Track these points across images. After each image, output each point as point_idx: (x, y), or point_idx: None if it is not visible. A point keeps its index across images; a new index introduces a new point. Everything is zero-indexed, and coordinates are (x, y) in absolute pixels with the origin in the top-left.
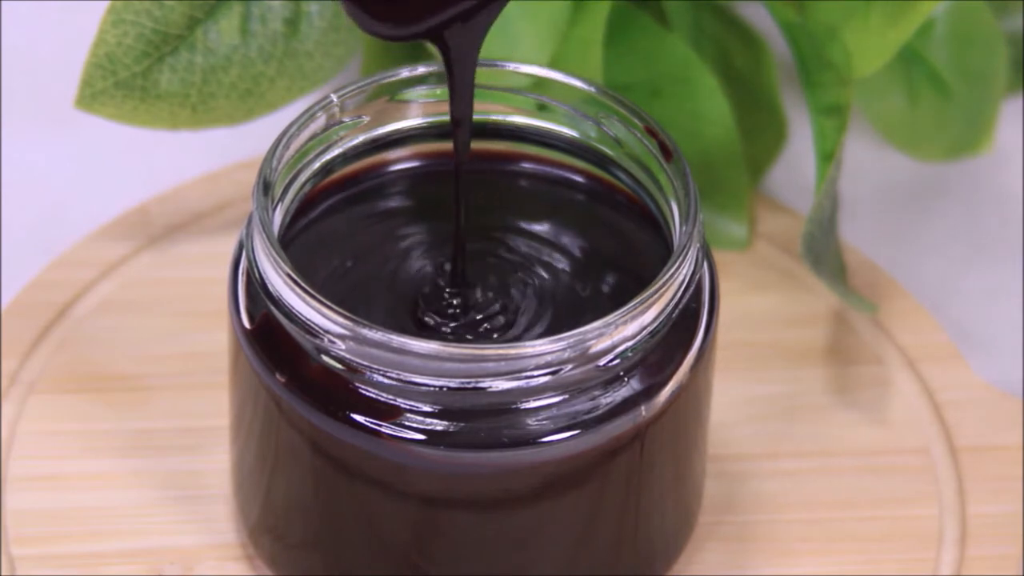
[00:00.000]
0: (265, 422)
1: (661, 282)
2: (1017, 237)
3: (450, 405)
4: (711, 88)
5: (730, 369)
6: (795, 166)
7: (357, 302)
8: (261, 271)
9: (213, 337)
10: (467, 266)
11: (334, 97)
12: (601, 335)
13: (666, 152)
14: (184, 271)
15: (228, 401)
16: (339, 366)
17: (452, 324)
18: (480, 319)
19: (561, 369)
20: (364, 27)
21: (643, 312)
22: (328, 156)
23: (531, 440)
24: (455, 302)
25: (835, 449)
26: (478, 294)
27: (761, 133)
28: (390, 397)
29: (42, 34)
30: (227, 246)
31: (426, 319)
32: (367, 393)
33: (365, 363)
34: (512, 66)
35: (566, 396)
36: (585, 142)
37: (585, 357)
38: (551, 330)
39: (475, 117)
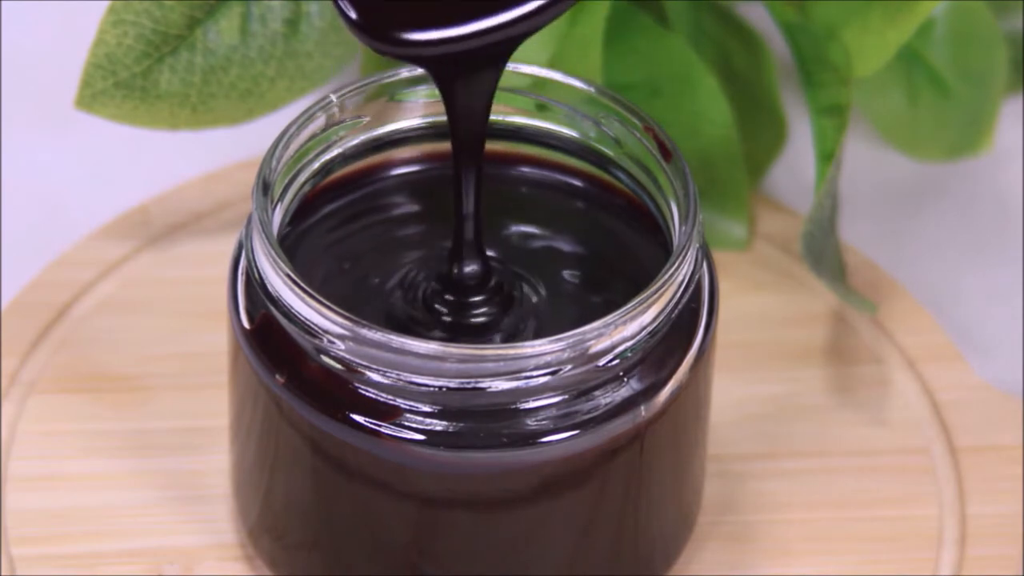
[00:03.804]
0: (265, 422)
1: (661, 282)
2: (1017, 237)
3: (450, 405)
4: (711, 88)
5: (730, 369)
6: (795, 166)
7: (356, 302)
8: (260, 271)
9: (213, 337)
10: (467, 266)
11: (334, 97)
12: (601, 335)
13: (665, 152)
14: (184, 271)
15: (228, 401)
16: (339, 366)
17: (451, 322)
18: (478, 318)
19: (561, 369)
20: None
21: (643, 312)
22: (328, 156)
23: (531, 440)
24: (454, 300)
25: (835, 449)
26: (477, 293)
27: (761, 133)
28: (390, 397)
29: (42, 34)
30: (227, 246)
31: (425, 317)
32: (367, 393)
33: (365, 363)
34: (512, 66)
35: (566, 396)
36: (584, 142)
37: (585, 357)
38: (550, 330)
39: None
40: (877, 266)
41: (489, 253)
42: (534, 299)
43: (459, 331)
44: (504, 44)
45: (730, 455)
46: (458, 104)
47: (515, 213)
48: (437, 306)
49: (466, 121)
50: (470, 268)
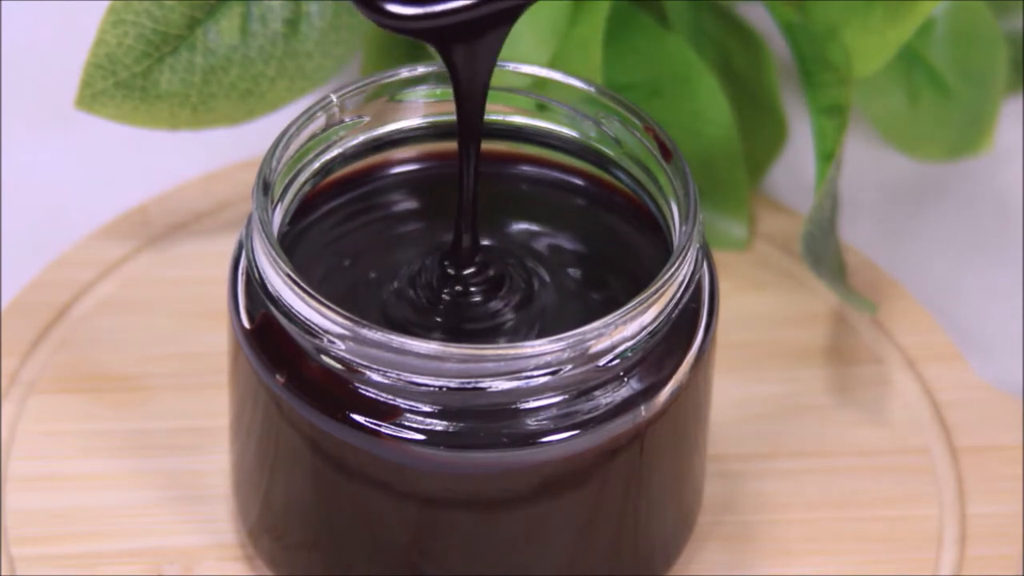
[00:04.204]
0: (265, 422)
1: (661, 282)
2: (1017, 237)
3: (450, 405)
4: (711, 88)
5: (730, 369)
6: (795, 166)
7: (356, 302)
8: (261, 271)
9: (213, 337)
10: (467, 266)
11: (334, 97)
12: (601, 335)
13: (665, 152)
14: (184, 271)
15: (228, 401)
16: (339, 366)
17: (451, 322)
18: (478, 317)
19: (561, 369)
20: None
21: (643, 312)
22: (328, 156)
23: (531, 440)
24: (454, 300)
25: (835, 449)
26: (477, 292)
27: (761, 133)
28: (390, 397)
29: (42, 34)
30: (227, 246)
31: (425, 317)
32: (367, 393)
33: (365, 363)
34: (512, 66)
35: (566, 396)
36: (585, 142)
37: (585, 357)
38: (550, 330)
39: None
40: (877, 266)
41: (489, 251)
42: (534, 299)
43: (459, 331)
44: (502, 15)
45: (730, 455)
46: (460, 73)
47: (515, 213)
48: (437, 306)
49: (468, 86)
50: (470, 267)
